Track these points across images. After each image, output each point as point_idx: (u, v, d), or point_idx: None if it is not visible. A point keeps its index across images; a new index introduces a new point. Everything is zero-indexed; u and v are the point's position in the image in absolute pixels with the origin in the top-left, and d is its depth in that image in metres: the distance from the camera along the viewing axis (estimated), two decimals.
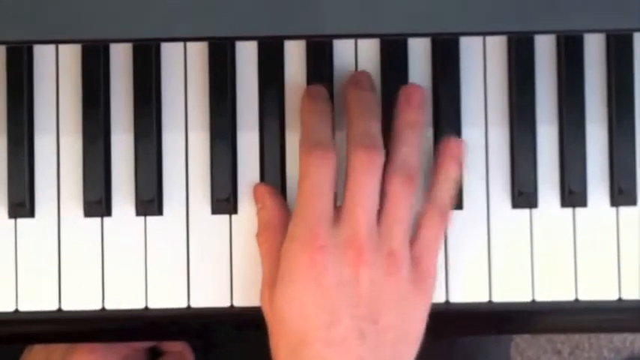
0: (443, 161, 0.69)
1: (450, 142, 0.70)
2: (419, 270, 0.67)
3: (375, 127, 0.68)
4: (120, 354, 0.78)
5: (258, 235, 0.70)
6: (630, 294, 0.71)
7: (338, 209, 0.67)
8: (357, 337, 0.64)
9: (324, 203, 0.66)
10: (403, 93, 0.70)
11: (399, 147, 0.68)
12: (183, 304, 0.71)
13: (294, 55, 0.72)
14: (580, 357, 1.52)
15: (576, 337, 1.51)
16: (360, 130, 0.68)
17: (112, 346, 0.78)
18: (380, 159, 0.67)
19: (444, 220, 0.69)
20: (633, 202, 0.71)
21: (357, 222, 0.65)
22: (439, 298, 0.70)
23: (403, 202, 0.67)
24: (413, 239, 0.68)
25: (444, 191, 0.69)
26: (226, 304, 0.71)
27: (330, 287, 0.64)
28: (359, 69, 0.72)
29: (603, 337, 1.51)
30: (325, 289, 0.64)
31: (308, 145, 0.68)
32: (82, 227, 0.71)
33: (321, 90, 0.70)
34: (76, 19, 0.60)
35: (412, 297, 0.66)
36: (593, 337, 1.51)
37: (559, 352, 1.52)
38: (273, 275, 0.67)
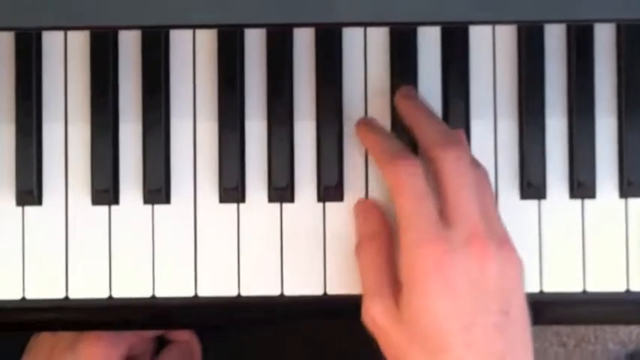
0: (409, 110, 0.70)
1: (401, 90, 0.70)
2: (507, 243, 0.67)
3: (448, 128, 0.69)
4: (127, 342, 0.79)
5: (360, 246, 0.69)
6: (638, 286, 0.71)
7: (441, 214, 0.66)
8: (494, 333, 0.63)
9: (429, 206, 0.65)
10: (398, 95, 0.71)
11: (423, 125, 0.69)
12: (190, 293, 0.71)
13: (303, 43, 0.71)
14: (585, 350, 1.51)
15: (582, 330, 1.51)
16: (437, 130, 0.68)
17: (119, 335, 0.78)
18: (467, 153, 0.67)
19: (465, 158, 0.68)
20: None
21: (471, 219, 0.65)
22: None
23: (488, 186, 0.67)
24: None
25: (433, 128, 0.69)
26: (234, 293, 0.71)
27: (462, 290, 0.63)
28: (368, 58, 0.71)
29: (609, 330, 1.51)
30: (458, 293, 0.63)
31: (389, 159, 0.67)
32: (89, 215, 0.71)
33: (372, 120, 0.71)
34: (84, 5, 0.60)
35: (521, 275, 0.66)
36: (598, 330, 1.51)
37: (564, 345, 1.52)
38: (383, 286, 0.66)
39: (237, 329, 0.86)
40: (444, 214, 0.65)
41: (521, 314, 0.65)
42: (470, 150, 0.68)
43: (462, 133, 0.69)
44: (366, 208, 0.70)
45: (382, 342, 0.66)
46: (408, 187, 0.66)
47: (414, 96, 0.71)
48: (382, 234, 0.68)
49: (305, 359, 0.86)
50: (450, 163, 0.66)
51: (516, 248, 0.66)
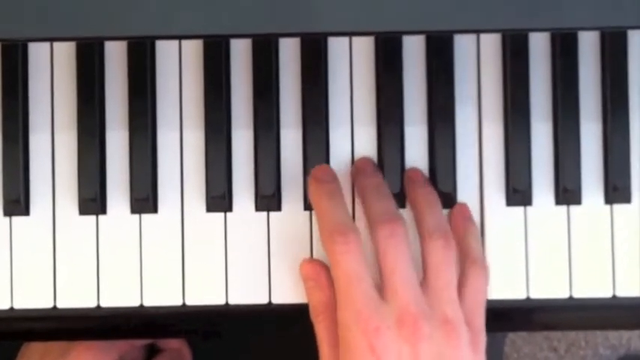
0: (463, 224, 0.70)
1: (462, 207, 0.71)
2: (473, 330, 0.67)
3: (390, 204, 0.69)
4: (117, 351, 0.79)
5: (315, 315, 0.69)
6: (624, 291, 0.71)
7: (379, 288, 0.66)
8: None
9: (364, 285, 0.65)
10: (407, 178, 0.71)
11: (425, 214, 0.69)
12: (178, 302, 0.71)
13: (289, 52, 0.72)
14: (576, 354, 1.52)
15: (572, 335, 1.51)
16: (377, 210, 0.68)
17: (109, 344, 0.78)
18: (403, 228, 0.67)
19: (486, 274, 0.69)
20: (627, 200, 0.71)
21: (402, 298, 0.65)
22: None
23: (446, 266, 0.67)
24: (460, 295, 0.68)
25: (479, 247, 0.70)
26: (221, 301, 0.71)
27: None
28: (353, 67, 0.72)
29: (599, 335, 1.51)
30: None
31: (328, 232, 0.67)
32: (77, 225, 0.71)
33: (325, 170, 0.71)
34: (70, 17, 0.60)
35: (474, 358, 0.66)
36: (589, 334, 1.51)
37: (555, 350, 1.52)
38: (335, 352, 0.67)
39: (227, 337, 0.86)
40: (383, 290, 0.66)
41: None
42: (406, 233, 0.67)
43: (467, 207, 0.70)
44: (315, 273, 0.69)
45: None
46: (341, 266, 0.66)
47: (369, 170, 0.70)
48: (334, 303, 0.68)
49: None
50: (381, 241, 0.66)
51: (464, 329, 0.65)
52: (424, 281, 0.67)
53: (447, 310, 0.65)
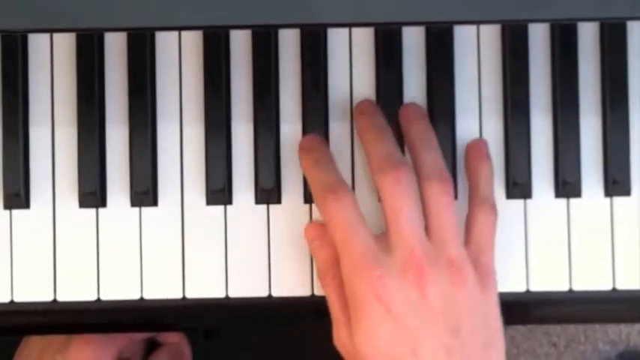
0: (476, 161, 0.70)
1: (478, 143, 0.70)
2: (480, 270, 0.67)
3: (393, 146, 0.68)
4: (117, 345, 0.79)
5: (321, 274, 0.69)
6: (624, 284, 0.71)
7: (381, 238, 0.66)
8: (444, 354, 0.64)
9: (361, 235, 0.66)
10: (402, 115, 0.71)
11: (421, 158, 0.68)
12: (178, 295, 0.71)
13: (289, 44, 0.72)
14: (576, 350, 1.52)
15: (572, 330, 1.51)
16: (379, 154, 0.68)
17: (109, 337, 0.78)
18: (408, 174, 0.66)
19: (494, 214, 0.69)
20: (627, 193, 0.72)
21: (407, 241, 0.65)
22: None
23: (446, 207, 0.67)
24: (466, 241, 0.68)
25: (487, 186, 0.69)
26: (222, 294, 0.71)
27: (402, 314, 0.64)
28: (353, 59, 0.72)
29: (599, 330, 1.51)
30: (399, 318, 0.64)
31: (320, 194, 0.68)
32: (77, 218, 0.71)
33: (312, 140, 0.71)
34: (70, 8, 0.60)
35: (483, 299, 0.66)
36: (588, 329, 1.51)
37: (555, 345, 1.52)
38: (346, 313, 0.66)
39: (227, 331, 0.86)
40: (388, 237, 0.66)
41: (477, 333, 0.65)
42: (411, 174, 0.67)
43: (484, 143, 0.70)
44: (320, 232, 0.69)
45: None
46: (336, 219, 0.66)
47: (371, 111, 0.70)
48: (338, 258, 0.68)
49: (295, 359, 0.87)
50: (387, 189, 0.66)
51: (469, 270, 0.65)
52: (427, 225, 0.67)
53: (450, 252, 0.65)
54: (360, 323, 0.65)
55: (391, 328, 0.64)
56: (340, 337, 0.67)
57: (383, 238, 0.66)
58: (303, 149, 0.70)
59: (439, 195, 0.67)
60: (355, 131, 0.71)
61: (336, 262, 0.67)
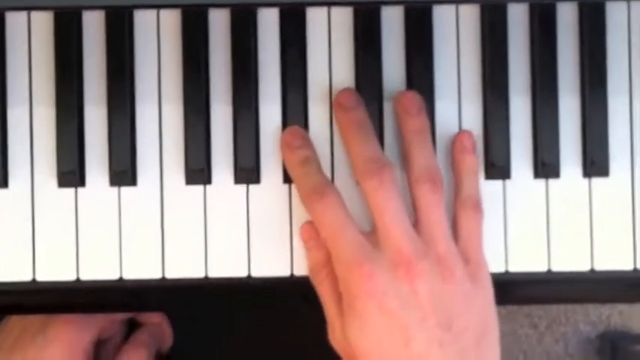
0: (460, 156, 0.70)
1: (462, 136, 0.70)
2: (471, 264, 0.67)
3: (374, 146, 0.69)
4: (97, 325, 0.79)
5: (314, 275, 0.69)
6: (602, 265, 0.72)
7: (371, 235, 0.67)
8: (437, 349, 0.64)
9: (349, 233, 0.66)
10: (400, 104, 0.70)
11: (414, 155, 0.69)
12: (157, 275, 0.71)
13: (268, 24, 0.71)
14: (557, 331, 1.52)
15: (553, 311, 1.52)
16: (362, 157, 0.68)
17: (89, 318, 0.78)
18: (390, 174, 0.67)
19: (479, 209, 0.69)
20: (605, 173, 0.72)
21: (395, 238, 0.66)
22: None
23: (435, 206, 0.67)
24: (455, 239, 0.68)
25: (471, 182, 0.70)
26: (201, 274, 0.71)
27: (394, 309, 0.64)
28: (332, 39, 0.71)
29: (580, 311, 1.52)
30: (391, 312, 0.64)
31: (306, 195, 0.68)
32: (56, 198, 0.71)
33: (296, 135, 0.71)
34: None
35: (475, 292, 0.67)
36: (569, 311, 1.52)
37: (535, 326, 1.52)
38: (339, 311, 0.67)
39: (208, 311, 0.86)
40: (375, 237, 0.67)
41: (469, 326, 0.66)
42: (394, 173, 0.68)
43: (469, 137, 0.70)
44: (310, 235, 0.70)
45: None
46: (323, 223, 0.67)
47: (351, 105, 0.70)
48: (331, 258, 0.68)
49: (275, 339, 0.87)
50: (370, 191, 0.67)
51: (458, 265, 0.66)
52: (416, 222, 0.67)
53: (438, 247, 0.66)
54: (353, 319, 0.65)
55: (383, 323, 0.64)
56: (335, 335, 0.68)
57: (373, 234, 0.67)
58: (286, 145, 0.70)
59: (428, 193, 0.67)
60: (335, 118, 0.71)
61: (328, 261, 0.68)
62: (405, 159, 0.70)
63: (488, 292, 0.68)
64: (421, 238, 0.66)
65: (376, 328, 0.65)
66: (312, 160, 0.70)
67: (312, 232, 0.70)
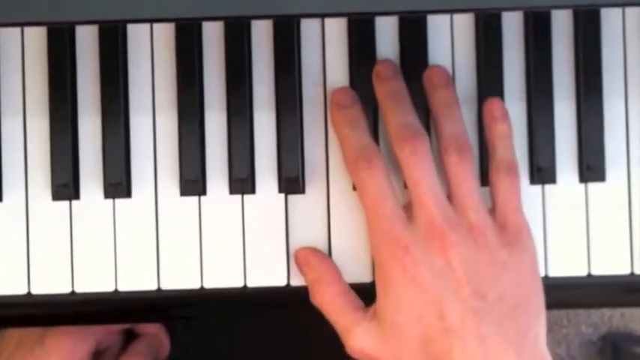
0: (492, 123, 0.70)
1: (492, 105, 0.70)
2: (508, 231, 0.67)
3: (410, 115, 0.69)
4: (95, 336, 0.79)
5: (313, 297, 0.70)
6: (599, 270, 0.72)
7: (407, 208, 0.67)
8: (472, 318, 0.64)
9: (390, 206, 0.66)
10: (427, 78, 0.71)
11: (442, 126, 0.69)
12: (153, 287, 0.71)
13: (262, 35, 0.71)
14: (558, 333, 1.52)
15: (554, 314, 1.51)
16: (397, 124, 0.68)
17: (86, 330, 0.78)
18: (425, 144, 0.67)
19: (515, 174, 0.69)
20: (602, 179, 0.72)
21: (429, 210, 0.66)
22: None
23: (465, 176, 0.67)
24: (494, 205, 0.69)
25: (504, 149, 0.70)
26: (197, 285, 0.71)
27: (428, 282, 0.64)
28: (326, 48, 0.71)
29: (581, 313, 1.52)
30: (425, 285, 0.64)
31: (352, 158, 0.68)
32: (50, 210, 0.71)
33: (346, 95, 0.70)
34: (41, 1, 0.60)
35: (512, 260, 0.66)
36: (571, 313, 1.52)
37: None
38: (349, 317, 0.67)
39: (205, 321, 0.86)
40: (409, 209, 0.67)
41: (505, 294, 0.65)
42: (428, 142, 0.68)
43: (500, 104, 0.70)
44: (305, 260, 0.70)
45: (383, 357, 0.67)
46: (367, 189, 0.67)
47: (390, 75, 0.70)
48: (324, 273, 0.69)
49: (272, 349, 0.87)
50: (406, 160, 0.67)
51: (491, 233, 0.66)
52: (449, 193, 0.68)
53: (471, 216, 0.66)
54: (390, 296, 0.66)
55: (418, 296, 0.65)
56: (357, 344, 0.67)
57: (408, 207, 0.67)
58: (336, 104, 0.70)
59: (458, 164, 0.67)
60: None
61: (322, 279, 0.69)
62: (436, 130, 0.70)
63: (529, 258, 0.68)
64: (454, 208, 0.67)
65: (411, 302, 0.65)
66: (361, 122, 0.70)
67: (303, 255, 0.70)
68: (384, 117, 0.70)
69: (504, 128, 0.70)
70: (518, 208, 0.68)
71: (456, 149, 0.68)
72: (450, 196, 0.68)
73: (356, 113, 0.70)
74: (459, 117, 0.70)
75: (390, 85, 0.70)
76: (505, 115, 0.70)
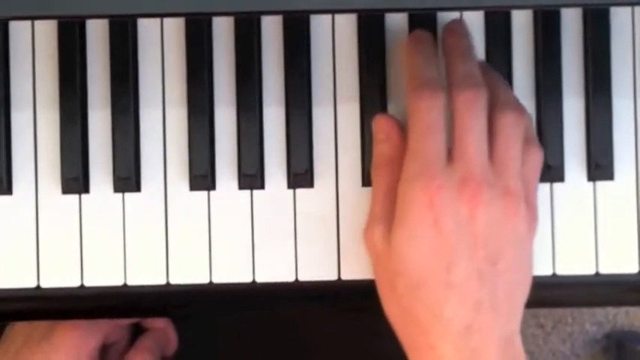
0: (455, 41, 0.70)
1: (450, 24, 0.70)
2: (529, 207, 0.67)
3: (476, 69, 0.68)
4: (103, 330, 0.79)
5: (375, 168, 0.69)
6: (607, 269, 0.72)
7: (449, 151, 0.66)
8: (476, 280, 0.64)
9: (437, 142, 0.65)
10: (447, 28, 0.70)
11: (498, 90, 0.68)
12: (162, 281, 0.71)
13: (272, 30, 0.71)
14: (563, 331, 1.53)
15: (559, 312, 1.52)
16: (461, 72, 0.67)
17: (94, 324, 0.78)
18: (484, 97, 0.66)
19: (541, 153, 0.68)
20: (610, 177, 0.72)
21: (470, 161, 0.65)
22: None
23: (515, 140, 0.67)
24: None
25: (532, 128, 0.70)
26: (205, 280, 0.71)
27: (448, 229, 0.64)
28: (336, 45, 0.71)
29: (586, 312, 1.52)
30: (444, 232, 0.64)
31: (416, 85, 0.67)
32: (59, 204, 0.71)
33: (426, 35, 0.70)
34: None
35: (527, 236, 0.66)
36: (575, 311, 1.52)
37: (542, 326, 1.53)
38: (387, 212, 0.66)
39: (213, 317, 0.86)
40: (452, 153, 0.66)
41: (513, 269, 0.65)
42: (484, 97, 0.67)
43: (457, 22, 0.70)
44: (389, 127, 0.69)
45: (377, 267, 0.67)
46: (420, 119, 0.66)
47: (461, 32, 0.70)
48: (399, 160, 0.67)
49: (279, 345, 0.87)
50: (461, 105, 0.66)
51: (523, 205, 0.65)
52: (492, 153, 0.66)
53: (510, 181, 0.65)
54: (406, 227, 0.65)
55: (433, 239, 0.64)
56: (372, 235, 0.67)
57: (450, 153, 0.66)
58: (414, 38, 0.70)
59: (512, 126, 0.67)
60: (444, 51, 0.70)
61: (394, 160, 0.67)
62: (489, 92, 0.68)
63: (532, 241, 0.67)
64: (494, 167, 0.66)
65: (424, 242, 0.64)
66: (434, 59, 0.69)
67: (388, 125, 0.69)
68: (449, 67, 0.69)
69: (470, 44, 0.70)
70: (537, 188, 0.68)
71: (514, 110, 0.67)
72: (492, 155, 0.66)
73: (432, 51, 0.69)
74: (477, 68, 0.69)
75: (462, 41, 0.70)
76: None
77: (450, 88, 0.67)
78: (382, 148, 0.69)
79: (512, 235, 0.65)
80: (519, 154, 0.67)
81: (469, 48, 0.69)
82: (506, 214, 0.65)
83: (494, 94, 0.68)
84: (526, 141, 0.68)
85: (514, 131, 0.67)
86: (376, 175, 0.69)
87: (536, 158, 0.68)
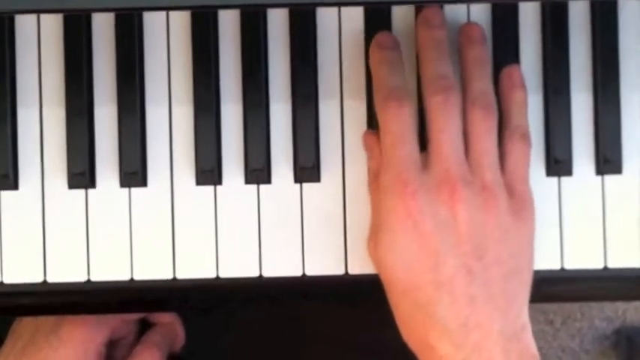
0: (509, 91, 0.70)
1: (512, 71, 0.70)
2: (515, 199, 0.67)
3: (447, 67, 0.69)
4: (110, 325, 0.79)
5: (368, 184, 0.70)
6: (615, 263, 0.71)
7: (425, 154, 0.67)
8: (464, 275, 0.64)
9: (408, 150, 0.66)
10: (463, 33, 0.71)
11: (472, 81, 0.69)
12: (168, 276, 0.71)
13: (278, 24, 0.71)
14: (572, 327, 1.52)
15: (568, 307, 1.51)
16: (434, 73, 0.68)
17: (100, 318, 0.78)
18: (456, 97, 0.67)
19: (527, 142, 0.69)
20: (618, 171, 0.71)
21: (445, 160, 0.66)
22: None
23: (487, 134, 0.67)
24: (502, 170, 0.68)
25: (520, 116, 0.69)
26: (212, 275, 0.71)
27: (429, 231, 0.64)
28: (343, 39, 0.71)
29: (595, 307, 1.52)
30: (425, 234, 0.64)
31: (382, 96, 0.68)
32: (66, 199, 0.71)
33: (389, 38, 0.70)
34: None
35: (515, 228, 0.66)
36: (585, 307, 1.52)
37: (551, 322, 1.52)
38: (380, 219, 0.67)
39: (220, 311, 0.86)
40: (428, 155, 0.67)
41: (502, 261, 0.65)
42: (458, 95, 0.68)
43: (518, 71, 0.70)
44: (372, 142, 0.70)
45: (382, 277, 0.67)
46: (389, 130, 0.67)
47: (435, 24, 0.70)
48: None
49: (287, 339, 0.87)
50: (434, 108, 0.67)
51: (502, 197, 0.66)
52: (466, 149, 0.67)
53: (485, 175, 0.66)
54: (387, 236, 0.65)
55: (415, 243, 0.65)
56: (369, 247, 0.68)
57: (425, 156, 0.67)
58: (377, 44, 0.70)
59: (482, 120, 0.67)
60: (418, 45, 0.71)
61: (378, 176, 0.68)
62: (463, 86, 0.69)
63: (529, 229, 0.68)
64: (469, 164, 0.66)
65: (406, 247, 0.65)
66: (399, 65, 0.69)
67: (370, 141, 0.70)
68: (422, 64, 0.69)
69: (522, 95, 0.70)
70: (526, 178, 0.68)
71: (482, 106, 0.67)
72: (466, 151, 0.67)
73: (396, 56, 0.70)
74: (489, 75, 0.70)
75: (435, 33, 0.70)
76: (523, 83, 0.70)
77: (423, 87, 0.68)
78: (370, 165, 0.70)
79: (496, 228, 0.65)
80: (493, 147, 0.67)
81: (442, 42, 0.69)
82: (486, 208, 0.65)
83: (468, 88, 0.69)
84: (509, 133, 0.68)
85: (484, 125, 0.67)
86: (370, 190, 0.70)
87: (520, 148, 0.68)
